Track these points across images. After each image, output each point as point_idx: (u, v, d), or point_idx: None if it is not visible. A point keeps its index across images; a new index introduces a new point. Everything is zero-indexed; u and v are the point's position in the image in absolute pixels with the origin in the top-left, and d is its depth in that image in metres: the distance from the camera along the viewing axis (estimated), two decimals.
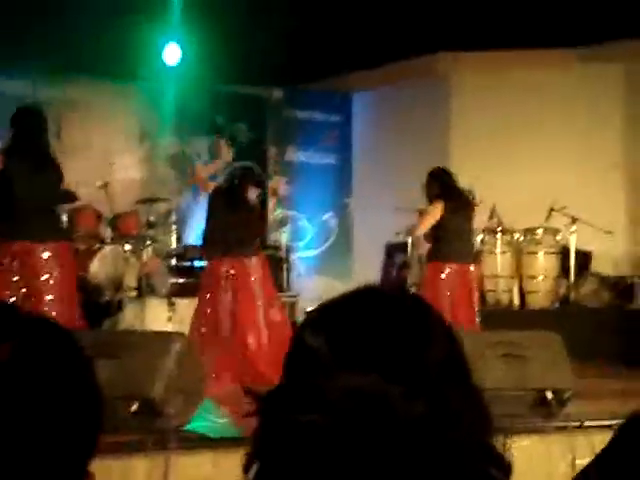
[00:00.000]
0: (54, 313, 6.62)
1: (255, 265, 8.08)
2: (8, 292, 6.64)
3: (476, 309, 8.87)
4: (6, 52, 10.88)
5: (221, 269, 7.87)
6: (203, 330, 7.66)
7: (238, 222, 7.92)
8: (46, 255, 6.80)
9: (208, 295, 7.92)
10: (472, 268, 8.75)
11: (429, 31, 11.77)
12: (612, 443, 1.59)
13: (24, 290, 6.75)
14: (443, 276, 8.50)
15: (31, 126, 7.02)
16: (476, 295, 8.94)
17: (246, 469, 1.24)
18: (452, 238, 8.52)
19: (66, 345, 1.15)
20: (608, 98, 11.94)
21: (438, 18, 11.63)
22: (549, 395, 5.95)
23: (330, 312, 1.31)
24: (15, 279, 6.74)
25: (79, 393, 1.12)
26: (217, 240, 8.00)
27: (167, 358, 5.01)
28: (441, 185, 8.66)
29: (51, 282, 6.80)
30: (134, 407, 4.89)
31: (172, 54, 12.21)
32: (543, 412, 5.92)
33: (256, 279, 8.02)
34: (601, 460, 1.61)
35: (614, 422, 5.83)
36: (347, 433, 1.18)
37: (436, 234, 8.59)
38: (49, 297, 6.79)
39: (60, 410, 1.09)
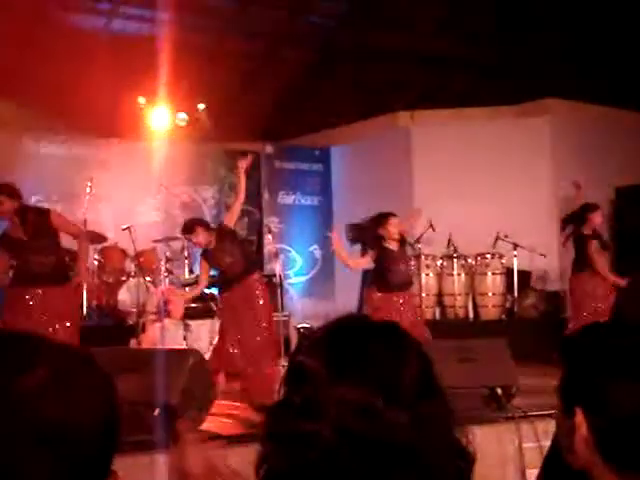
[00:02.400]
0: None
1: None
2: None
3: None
4: (46, 118, 10.94)
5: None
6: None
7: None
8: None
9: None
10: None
11: (390, 93, 11.88)
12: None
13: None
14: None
15: None
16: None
17: (257, 471, 1.26)
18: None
19: (90, 367, 1.18)
20: (538, 145, 12.04)
21: (397, 82, 11.75)
22: (499, 391, 5.99)
23: (322, 338, 1.33)
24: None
25: (103, 405, 1.15)
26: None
27: (183, 370, 5.02)
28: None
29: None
30: (156, 412, 4.89)
31: (182, 118, 12.26)
32: (494, 405, 5.94)
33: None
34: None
35: (553, 412, 5.89)
36: (344, 438, 1.20)
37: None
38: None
39: (90, 421, 1.11)
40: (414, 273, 11.25)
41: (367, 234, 8.24)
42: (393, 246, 7.92)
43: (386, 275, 7.87)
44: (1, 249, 6.70)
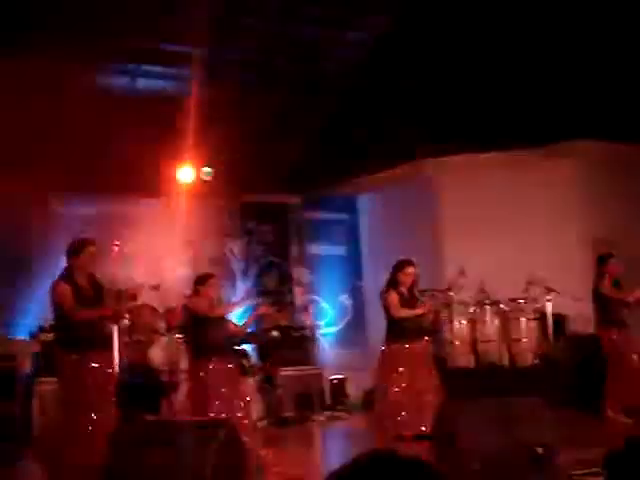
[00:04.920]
0: None
1: None
2: None
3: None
4: (73, 178, 10.95)
5: None
6: None
7: None
8: None
9: None
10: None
11: (415, 142, 11.79)
12: None
13: None
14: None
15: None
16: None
17: None
18: None
19: None
20: (566, 187, 11.89)
21: (422, 130, 11.66)
22: (540, 450, 5.78)
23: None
24: None
25: None
26: None
27: (214, 443, 4.87)
28: None
29: None
30: None
31: (206, 172, 12.22)
32: (537, 466, 5.74)
33: None
34: None
35: (597, 469, 5.68)
36: None
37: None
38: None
39: None
40: (446, 320, 11.10)
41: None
42: (404, 293, 8.04)
43: (400, 323, 7.91)
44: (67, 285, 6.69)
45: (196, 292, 7.77)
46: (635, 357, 9.07)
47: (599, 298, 9.34)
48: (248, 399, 7.91)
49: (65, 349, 6.72)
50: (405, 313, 7.98)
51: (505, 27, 10.96)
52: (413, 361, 8.00)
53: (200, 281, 7.81)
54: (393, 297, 7.99)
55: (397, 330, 7.99)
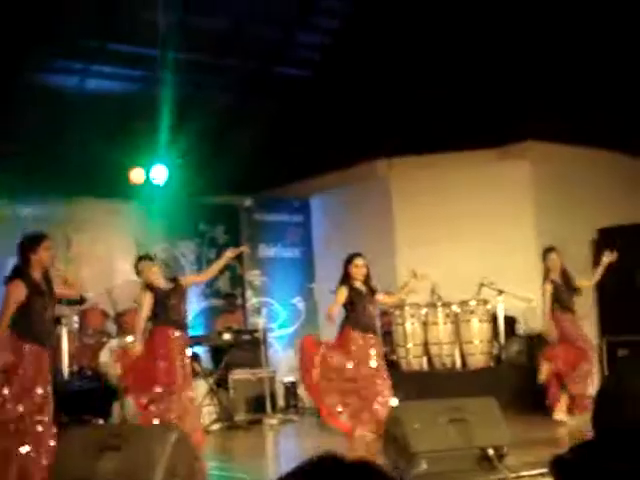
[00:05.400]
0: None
1: None
2: None
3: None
4: (21, 179, 10.83)
5: None
6: None
7: None
8: None
9: None
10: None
11: (368, 142, 11.83)
12: None
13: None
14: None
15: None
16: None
17: None
18: None
19: None
20: (519, 188, 11.99)
21: (375, 131, 11.70)
22: (490, 451, 5.83)
23: None
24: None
25: None
26: None
27: (165, 447, 4.83)
28: None
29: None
30: None
31: (159, 174, 12.13)
32: (486, 466, 5.79)
33: None
34: None
35: (545, 471, 5.75)
36: None
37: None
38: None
39: None
40: (398, 324, 11.14)
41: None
42: (359, 286, 7.96)
43: (357, 314, 7.89)
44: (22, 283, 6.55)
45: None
46: (581, 344, 9.25)
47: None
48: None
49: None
50: (336, 308, 8.00)
51: (459, 27, 11.05)
52: (360, 353, 7.96)
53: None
54: (340, 293, 7.96)
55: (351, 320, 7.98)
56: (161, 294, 7.60)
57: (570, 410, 9.05)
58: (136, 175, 11.77)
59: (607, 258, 9.51)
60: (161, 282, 7.72)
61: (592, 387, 8.89)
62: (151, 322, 7.70)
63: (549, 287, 9.29)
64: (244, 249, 9.07)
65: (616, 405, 1.63)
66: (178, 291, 7.70)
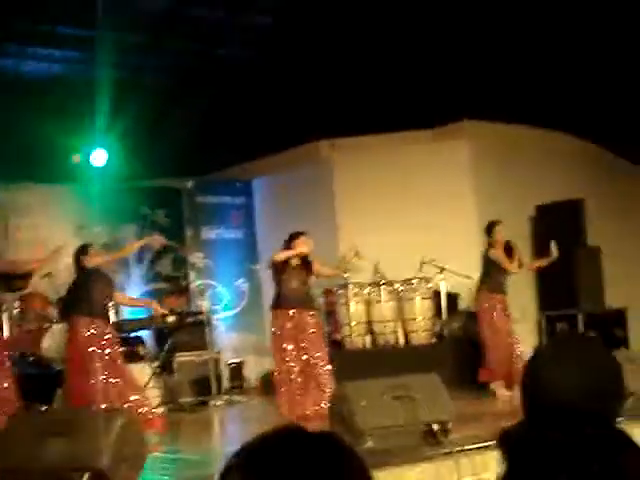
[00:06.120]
0: None
1: None
2: None
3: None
4: None
5: None
6: None
7: None
8: None
9: None
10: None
11: (310, 124, 11.82)
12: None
13: None
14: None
15: None
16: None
17: None
18: None
19: None
20: (458, 167, 12.11)
21: (317, 112, 11.69)
22: (435, 427, 5.91)
23: (257, 456, 1.22)
24: None
25: None
26: None
27: (111, 433, 4.81)
28: None
29: None
30: (86, 477, 4.68)
31: (99, 157, 12.01)
32: (432, 442, 5.87)
33: None
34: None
35: (490, 443, 5.85)
36: None
37: None
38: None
39: None
40: (342, 303, 11.20)
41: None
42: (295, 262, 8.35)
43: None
44: None
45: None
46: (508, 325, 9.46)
47: (487, 264, 9.72)
48: None
49: None
50: (282, 255, 8.28)
51: (396, 7, 11.06)
52: (300, 329, 8.25)
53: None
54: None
55: (281, 296, 8.41)
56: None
57: (508, 385, 9.22)
58: (76, 158, 11.65)
59: (554, 253, 9.71)
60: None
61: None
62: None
63: (498, 251, 9.50)
64: (157, 239, 9.14)
65: (538, 386, 1.69)
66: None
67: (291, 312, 8.36)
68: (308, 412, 8.06)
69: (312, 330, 8.34)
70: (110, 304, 8.63)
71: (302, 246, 8.32)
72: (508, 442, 1.54)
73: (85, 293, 7.91)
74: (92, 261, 8.05)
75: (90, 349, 7.59)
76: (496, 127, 12.22)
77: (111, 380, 7.46)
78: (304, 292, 8.49)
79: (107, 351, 7.64)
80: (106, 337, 7.73)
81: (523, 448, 1.51)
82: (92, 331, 7.65)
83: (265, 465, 1.19)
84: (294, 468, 1.18)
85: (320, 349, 8.32)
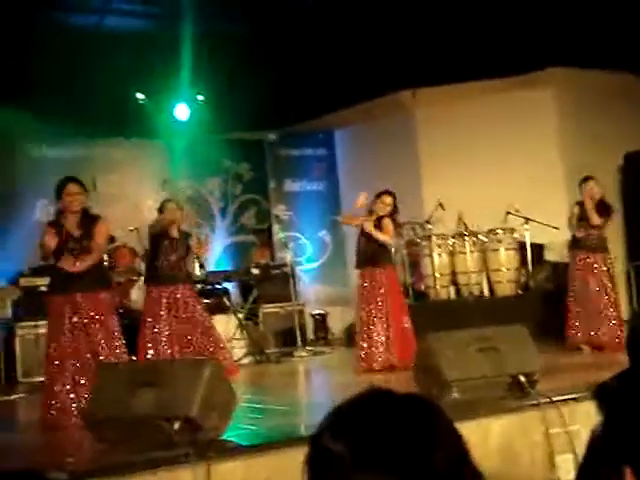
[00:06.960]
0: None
1: None
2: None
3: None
4: (47, 121, 10.85)
5: None
6: None
7: None
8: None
9: None
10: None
11: (391, 74, 11.68)
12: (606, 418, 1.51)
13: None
14: None
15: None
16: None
17: None
18: None
19: None
20: (543, 116, 11.85)
21: (398, 62, 11.54)
22: (522, 378, 5.86)
23: (347, 417, 1.23)
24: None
25: None
26: None
27: (200, 381, 4.90)
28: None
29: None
30: (177, 425, 4.77)
31: (182, 112, 12.14)
32: (518, 393, 5.82)
33: None
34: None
35: (577, 395, 5.78)
36: None
37: None
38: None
39: None
40: (426, 254, 11.14)
41: None
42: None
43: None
44: (52, 231, 6.58)
45: None
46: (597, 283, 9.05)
47: (576, 220, 9.25)
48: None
49: (50, 291, 6.75)
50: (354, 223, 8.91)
51: None
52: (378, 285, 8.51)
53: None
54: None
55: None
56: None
57: (594, 347, 8.96)
58: (160, 113, 11.79)
59: None
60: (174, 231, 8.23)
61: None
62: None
63: (576, 210, 9.14)
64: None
65: None
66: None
67: (362, 271, 8.75)
68: (392, 363, 8.13)
69: (382, 287, 8.46)
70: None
71: (381, 207, 8.66)
72: (606, 395, 1.51)
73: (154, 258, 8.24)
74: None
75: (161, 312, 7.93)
76: (582, 74, 11.88)
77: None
78: (371, 251, 8.68)
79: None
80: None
81: (622, 401, 1.48)
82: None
83: (355, 427, 1.20)
84: (384, 430, 1.19)
85: (393, 304, 8.46)
